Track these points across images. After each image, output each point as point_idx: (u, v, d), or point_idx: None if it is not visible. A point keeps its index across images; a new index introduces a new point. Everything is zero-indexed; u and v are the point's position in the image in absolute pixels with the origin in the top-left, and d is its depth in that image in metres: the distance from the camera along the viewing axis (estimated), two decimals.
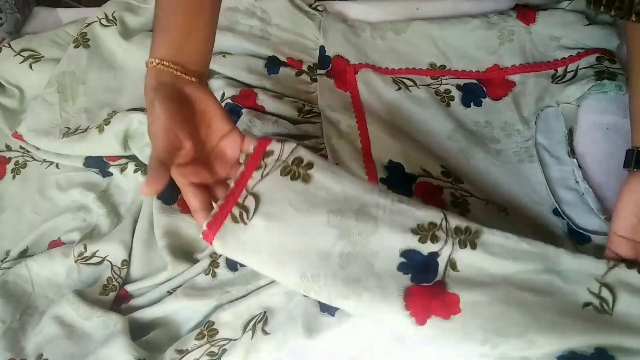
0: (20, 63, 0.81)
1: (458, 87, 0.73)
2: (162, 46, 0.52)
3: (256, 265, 0.50)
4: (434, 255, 0.51)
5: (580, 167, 0.65)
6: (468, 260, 0.51)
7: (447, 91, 0.73)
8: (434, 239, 0.51)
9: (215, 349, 0.57)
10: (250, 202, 0.49)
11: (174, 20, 0.53)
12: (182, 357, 0.57)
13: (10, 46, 0.82)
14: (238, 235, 0.49)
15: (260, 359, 0.56)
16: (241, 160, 0.52)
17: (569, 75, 0.70)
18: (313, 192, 0.51)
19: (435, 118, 0.71)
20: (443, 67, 0.75)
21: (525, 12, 0.74)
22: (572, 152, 0.66)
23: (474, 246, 0.51)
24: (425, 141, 0.69)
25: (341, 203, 0.51)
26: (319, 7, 0.81)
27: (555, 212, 0.63)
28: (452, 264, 0.51)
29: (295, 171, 0.51)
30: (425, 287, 0.49)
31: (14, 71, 0.82)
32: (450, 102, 0.72)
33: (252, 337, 0.57)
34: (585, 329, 0.49)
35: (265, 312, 0.59)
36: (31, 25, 0.91)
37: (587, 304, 0.50)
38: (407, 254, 0.51)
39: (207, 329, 0.58)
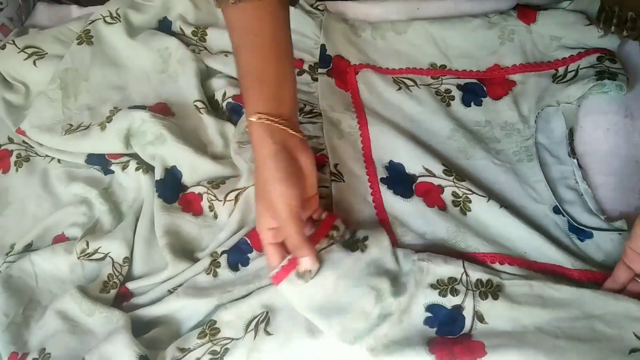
0: (25, 60, 0.82)
1: (458, 86, 0.73)
2: (261, 99, 0.53)
3: (307, 313, 0.56)
4: (459, 309, 0.56)
5: (580, 167, 0.65)
6: (495, 310, 0.55)
7: (448, 91, 0.73)
8: (454, 292, 0.56)
9: (217, 348, 0.57)
10: (314, 265, 0.56)
11: (268, 69, 0.53)
12: (184, 356, 0.57)
13: (14, 43, 0.82)
14: (299, 288, 0.56)
15: (262, 359, 0.56)
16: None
17: (569, 75, 0.70)
18: (364, 259, 0.58)
19: (436, 118, 0.71)
20: (444, 67, 0.75)
21: (526, 12, 0.74)
22: (573, 152, 0.67)
23: (495, 297, 0.55)
24: (425, 141, 0.70)
25: (379, 268, 0.58)
26: (319, 7, 0.81)
27: (556, 209, 0.63)
28: (478, 316, 0.55)
29: (355, 246, 0.59)
30: (450, 337, 0.54)
31: (18, 68, 0.82)
32: (451, 101, 0.72)
33: (255, 337, 0.57)
34: None
35: (267, 312, 0.59)
36: (35, 20, 0.91)
37: (634, 350, 0.50)
38: (432, 308, 0.56)
39: (209, 328, 0.58)
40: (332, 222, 0.60)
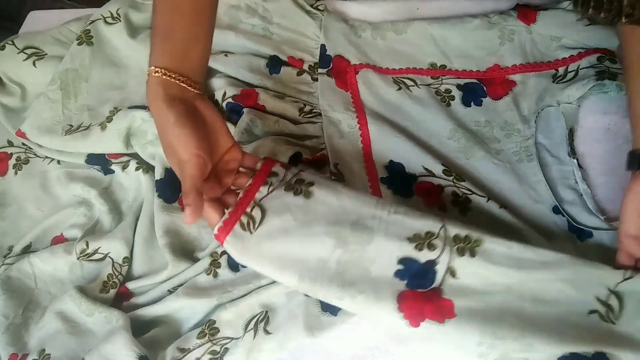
0: (24, 60, 0.82)
1: (458, 86, 0.73)
2: (165, 55, 0.52)
3: (258, 268, 0.54)
4: (432, 264, 0.53)
5: (580, 167, 0.65)
6: (468, 268, 0.53)
7: (448, 91, 0.73)
8: (431, 246, 0.54)
9: (217, 348, 0.57)
10: (257, 213, 0.55)
11: (177, 28, 0.53)
12: (184, 356, 0.57)
13: (13, 44, 0.82)
14: (245, 242, 0.54)
15: (262, 358, 0.56)
16: (243, 171, 0.58)
17: (569, 75, 0.70)
18: (313, 206, 0.56)
19: (436, 118, 0.71)
20: (444, 67, 0.75)
21: (526, 12, 0.74)
22: (573, 152, 0.66)
23: (473, 254, 0.53)
24: (425, 141, 0.70)
25: (339, 215, 0.55)
26: (319, 7, 0.81)
27: (555, 209, 0.63)
28: (451, 271, 0.53)
29: (298, 188, 0.57)
30: (420, 292, 0.52)
31: (17, 69, 0.82)
32: (451, 101, 0.72)
33: (254, 336, 0.57)
34: (583, 336, 0.49)
35: (266, 311, 0.59)
36: (28, 29, 0.91)
37: (592, 312, 0.51)
38: (404, 261, 0.54)
39: (208, 328, 0.58)
40: (270, 168, 0.58)
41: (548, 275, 0.52)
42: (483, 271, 0.53)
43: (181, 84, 0.51)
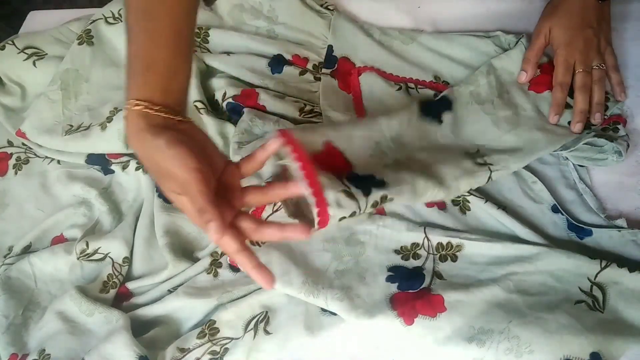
0: (24, 60, 0.82)
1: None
2: (147, 87, 0.48)
3: None
4: (419, 269, 0.60)
5: (581, 166, 0.65)
6: (453, 271, 0.59)
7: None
8: (416, 256, 0.61)
9: (217, 348, 0.57)
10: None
11: (159, 58, 0.49)
12: (184, 356, 0.57)
13: (14, 43, 0.82)
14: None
15: (262, 358, 0.57)
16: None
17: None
18: None
19: None
20: (446, 83, 0.74)
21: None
22: None
23: (454, 259, 0.60)
24: None
25: (334, 232, 0.63)
26: (329, 7, 0.81)
27: (554, 208, 0.63)
28: (437, 275, 0.59)
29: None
30: (411, 292, 0.57)
31: (18, 69, 0.82)
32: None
33: (254, 336, 0.57)
34: (572, 324, 0.52)
35: (266, 312, 0.59)
36: (28, 29, 0.91)
37: (579, 302, 0.54)
38: (393, 269, 0.60)
39: (208, 328, 0.58)
40: None
41: (529, 269, 0.56)
42: (467, 272, 0.58)
43: (165, 115, 0.48)
